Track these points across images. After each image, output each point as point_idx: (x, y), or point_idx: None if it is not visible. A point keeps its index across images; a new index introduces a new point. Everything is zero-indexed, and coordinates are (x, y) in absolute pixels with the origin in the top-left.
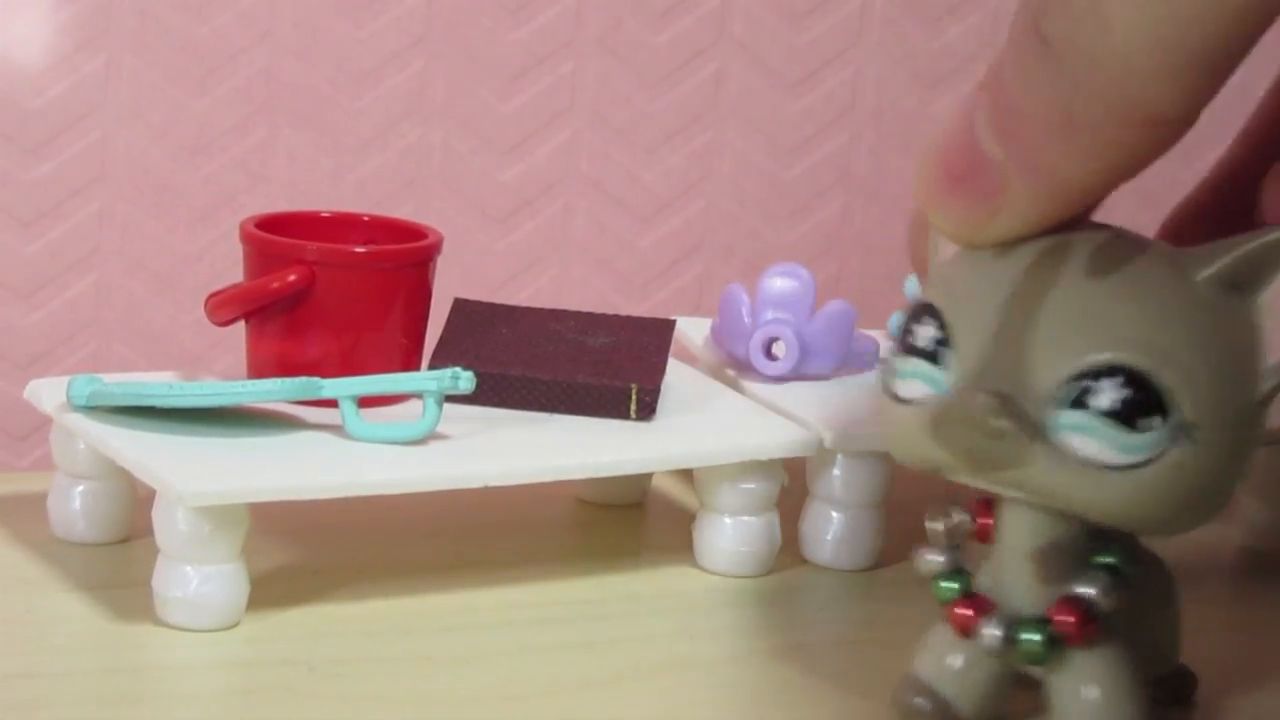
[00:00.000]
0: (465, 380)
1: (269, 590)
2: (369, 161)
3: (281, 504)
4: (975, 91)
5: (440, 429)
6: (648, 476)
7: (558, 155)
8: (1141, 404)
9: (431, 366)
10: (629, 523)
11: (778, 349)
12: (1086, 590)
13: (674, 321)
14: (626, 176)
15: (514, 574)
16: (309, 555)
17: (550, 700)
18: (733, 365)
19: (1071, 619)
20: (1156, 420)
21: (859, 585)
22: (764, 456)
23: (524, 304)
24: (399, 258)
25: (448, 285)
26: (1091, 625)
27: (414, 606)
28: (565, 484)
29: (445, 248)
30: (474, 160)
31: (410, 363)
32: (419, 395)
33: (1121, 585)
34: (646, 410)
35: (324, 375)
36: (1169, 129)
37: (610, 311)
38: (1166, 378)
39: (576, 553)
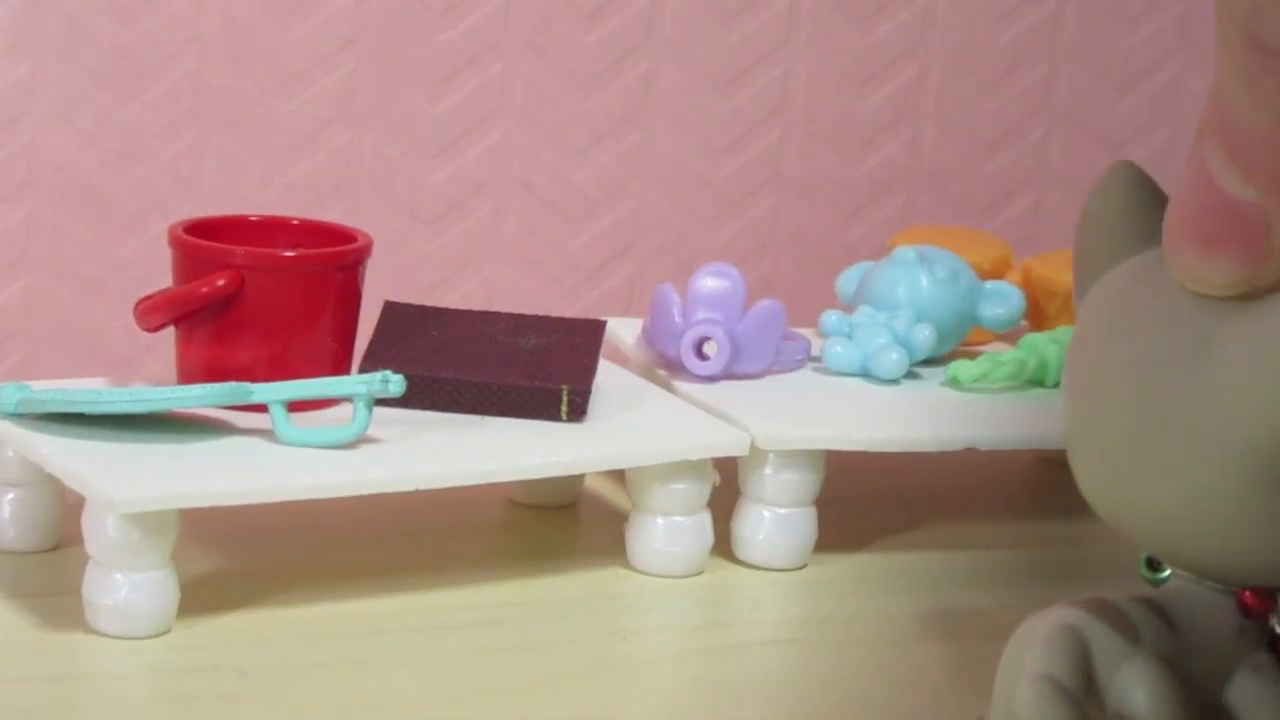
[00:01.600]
0: (395, 383)
1: (200, 596)
2: (298, 165)
3: (212, 509)
4: (1197, 144)
5: (371, 432)
6: (580, 478)
7: (487, 157)
8: None
9: (362, 370)
10: (561, 524)
11: (709, 348)
12: None
13: (605, 322)
14: (557, 177)
15: (446, 577)
16: (240, 560)
17: (484, 703)
18: (664, 365)
19: None
20: None
21: (790, 584)
22: (695, 457)
23: (455, 306)
24: (328, 261)
25: (378, 288)
26: None
27: (346, 610)
28: (497, 486)
29: (376, 250)
30: (404, 162)
31: (340, 366)
32: (349, 399)
33: None
34: (577, 411)
35: (254, 380)
36: None
37: (541, 313)
38: None
39: (509, 555)
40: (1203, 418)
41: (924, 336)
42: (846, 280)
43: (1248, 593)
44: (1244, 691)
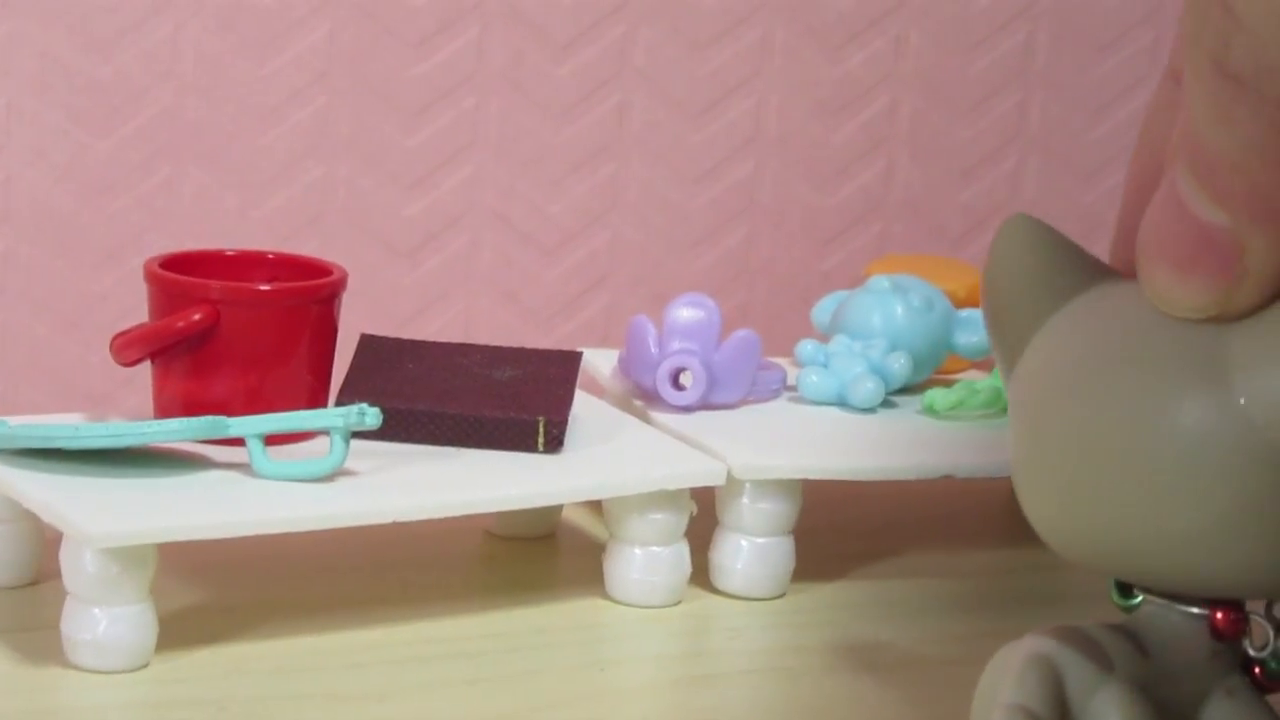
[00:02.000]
0: (372, 416)
1: (178, 630)
2: (273, 199)
3: (190, 543)
4: (1168, 168)
5: (348, 465)
6: (557, 509)
7: (462, 189)
8: None
9: (338, 403)
10: (539, 555)
11: (685, 379)
12: None
13: (580, 353)
14: (531, 209)
15: (424, 609)
16: (218, 594)
17: None
18: (640, 396)
19: None
20: None
21: (769, 613)
22: (672, 487)
23: (431, 338)
24: (304, 295)
25: (354, 321)
26: None
27: (324, 644)
28: (474, 518)
29: (351, 283)
30: (378, 195)
31: (317, 400)
32: (326, 432)
33: None
34: (554, 443)
35: (231, 414)
36: None
37: (517, 344)
38: None
39: (486, 586)
40: (1227, 437)
41: (899, 365)
42: (822, 309)
43: (1219, 615)
44: (1219, 716)
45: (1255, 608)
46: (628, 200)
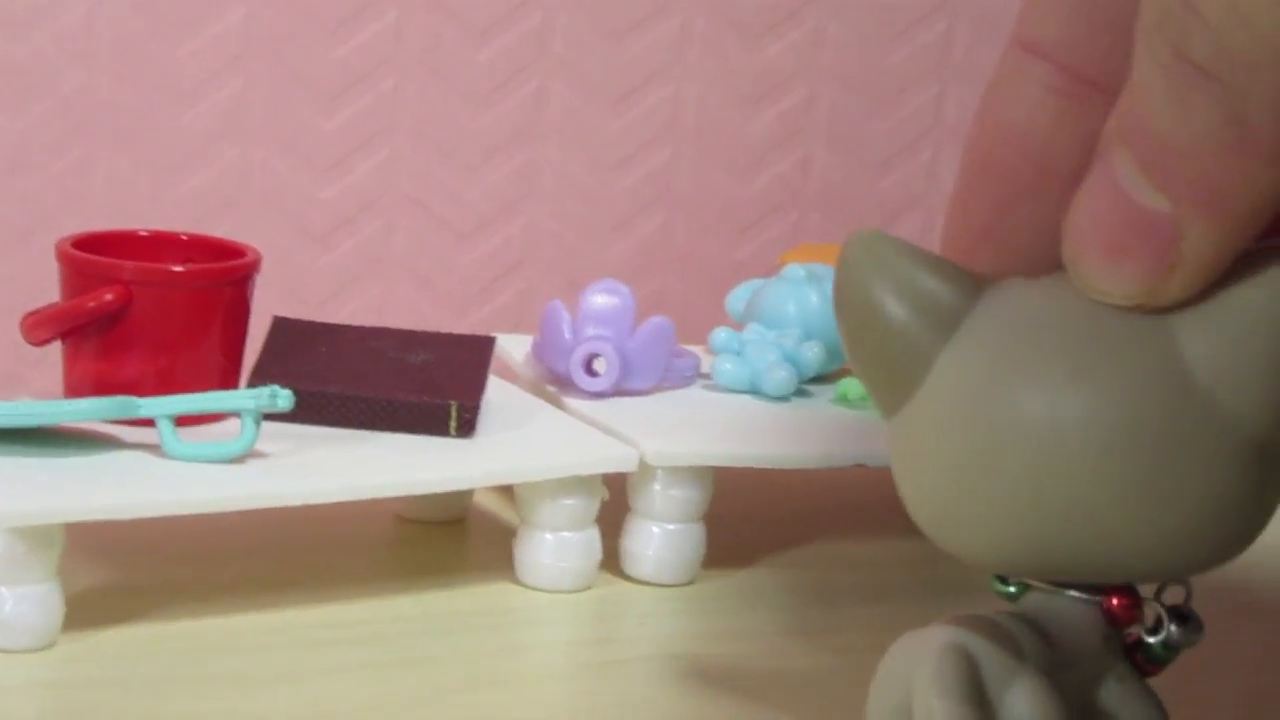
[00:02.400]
0: (283, 398)
1: (84, 610)
2: (188, 180)
3: (98, 524)
4: (1102, 153)
5: (259, 447)
6: (468, 493)
7: (378, 173)
8: None
9: (250, 385)
10: (449, 540)
11: (599, 365)
12: None
13: (494, 338)
14: (447, 194)
15: (333, 592)
16: (125, 575)
17: (369, 719)
18: (554, 382)
19: None
20: None
21: (679, 600)
22: (584, 472)
23: (345, 322)
24: (217, 276)
25: (268, 303)
26: None
27: (231, 625)
28: (385, 501)
29: (265, 266)
30: (294, 179)
31: (229, 381)
32: (237, 414)
33: None
34: (466, 427)
35: (142, 394)
36: None
37: (431, 329)
38: None
39: (396, 570)
40: (1194, 430)
41: (813, 354)
42: (736, 298)
43: (1115, 601)
44: (1112, 701)
45: (1146, 592)
46: (544, 187)
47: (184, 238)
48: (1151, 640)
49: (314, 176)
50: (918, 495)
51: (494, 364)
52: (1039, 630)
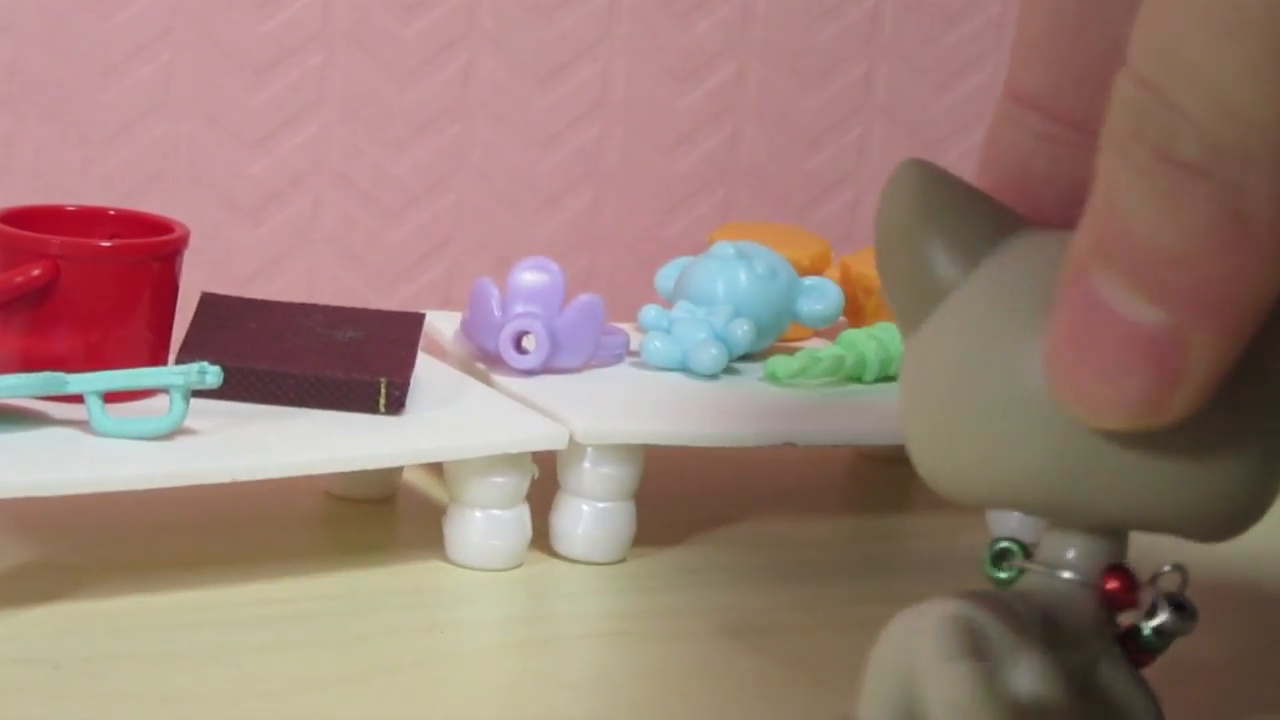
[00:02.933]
0: (212, 375)
1: (12, 588)
2: (115, 155)
3: (26, 500)
4: (1078, 278)
5: (188, 424)
6: (398, 471)
7: (306, 148)
8: None
9: (178, 361)
10: (379, 517)
11: (528, 342)
12: None
13: (424, 315)
14: (375, 170)
15: (262, 570)
16: (54, 552)
17: (299, 696)
18: (482, 359)
19: None
20: None
21: (609, 578)
22: (513, 450)
23: (273, 298)
24: (145, 251)
25: (195, 279)
26: None
27: (161, 603)
28: (314, 479)
29: (192, 242)
30: (221, 153)
31: (157, 357)
32: (166, 390)
33: None
34: (396, 404)
35: (70, 370)
36: None
37: (360, 305)
38: None
39: (325, 548)
40: None
41: (742, 332)
42: (665, 276)
43: (1112, 584)
44: (1107, 685)
45: (1143, 579)
46: (472, 163)
47: (111, 213)
48: (1146, 626)
49: (242, 151)
50: (915, 420)
51: (423, 341)
52: (1038, 609)
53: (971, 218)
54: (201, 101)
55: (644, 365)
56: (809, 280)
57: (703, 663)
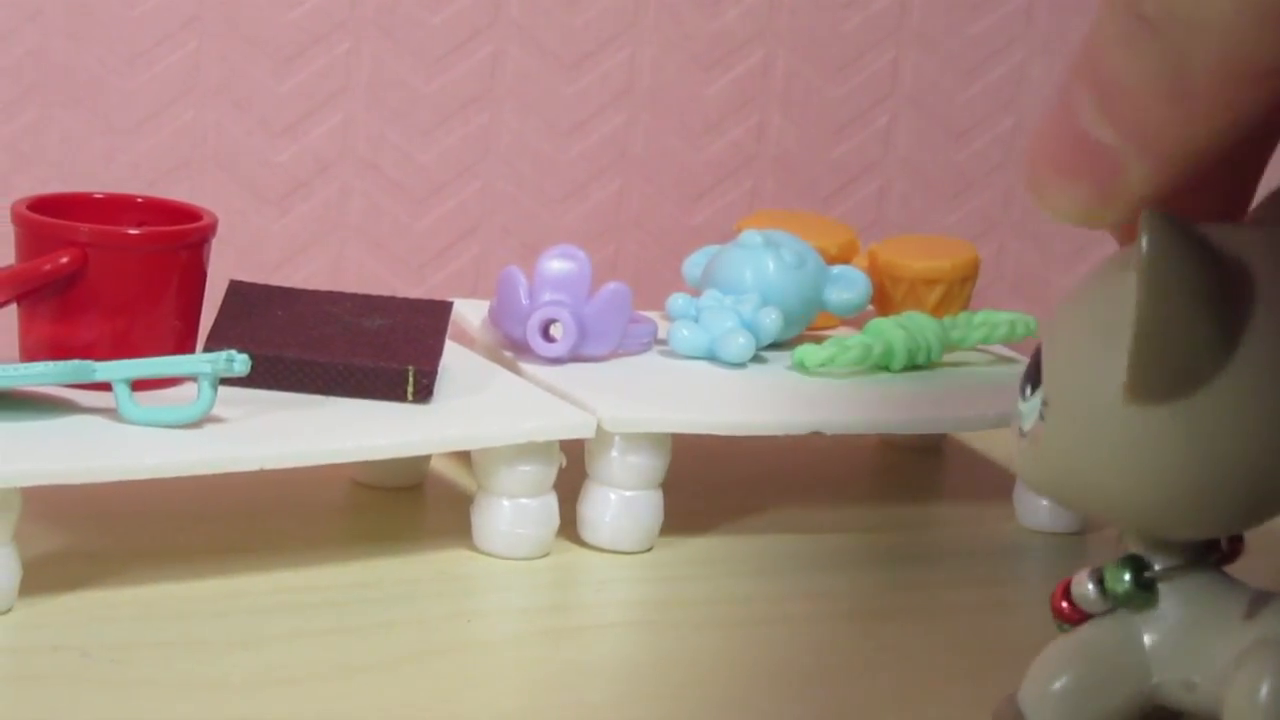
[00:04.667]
0: (240, 362)
1: (42, 575)
2: (142, 142)
3: (55, 488)
4: (1067, 80)
5: (216, 412)
6: (425, 459)
7: (333, 136)
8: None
9: (206, 349)
10: (406, 505)
11: (555, 330)
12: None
13: (451, 303)
14: (403, 158)
15: (288, 557)
16: (83, 539)
17: (327, 684)
18: (510, 347)
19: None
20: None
21: (637, 567)
22: (541, 439)
23: (300, 286)
24: (173, 239)
25: (223, 267)
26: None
27: (189, 591)
28: (342, 467)
29: (220, 229)
30: (248, 141)
31: (185, 345)
32: (194, 378)
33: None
34: (423, 392)
35: (98, 358)
36: (1275, 80)
37: (387, 293)
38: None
39: (352, 536)
40: None
41: (770, 320)
42: (693, 264)
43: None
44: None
45: None
46: (499, 151)
47: (139, 200)
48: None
49: (268, 139)
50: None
51: (451, 329)
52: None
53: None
54: (228, 89)
55: (671, 354)
56: (837, 269)
57: (729, 652)
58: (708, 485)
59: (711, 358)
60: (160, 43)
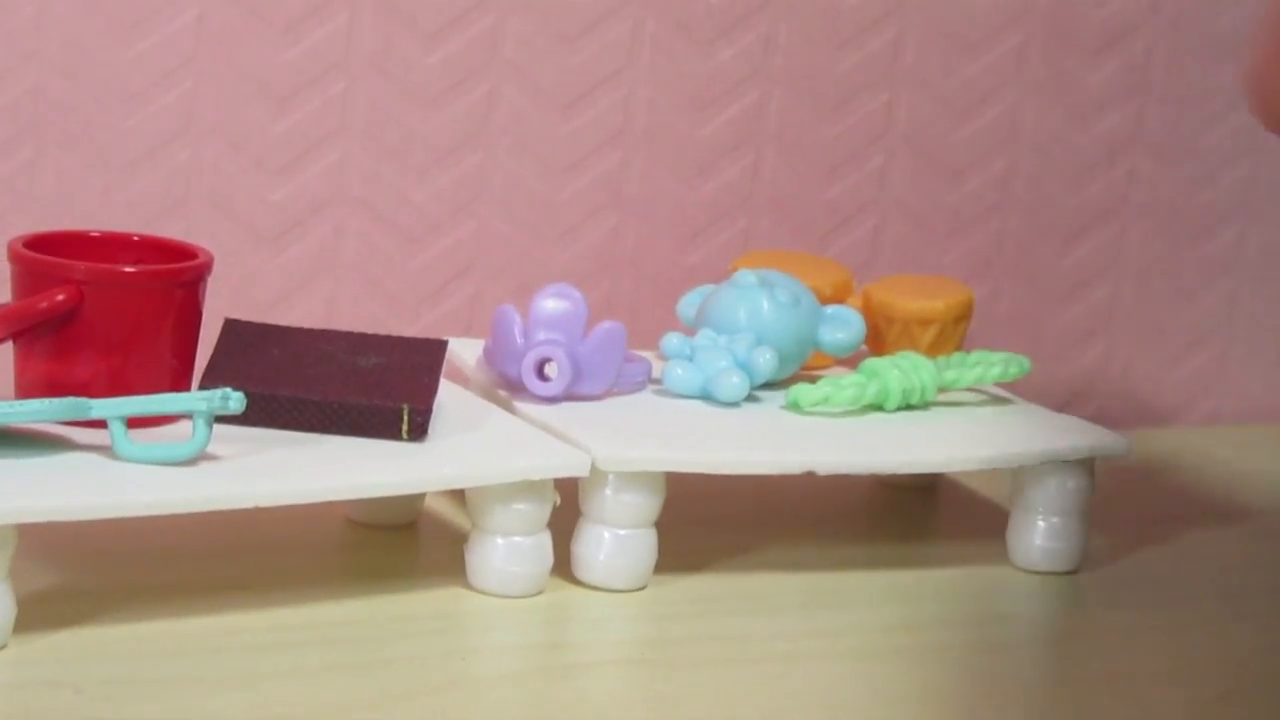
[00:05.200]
0: (235, 400)
1: (37, 612)
2: (139, 181)
3: (50, 525)
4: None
5: (211, 450)
6: (420, 497)
7: (328, 175)
8: None
9: (202, 387)
10: (401, 544)
11: (550, 370)
12: None
13: (446, 342)
14: (397, 197)
15: (283, 595)
16: (78, 576)
17: None
18: (505, 386)
19: None
20: None
21: (631, 605)
22: (535, 477)
23: (295, 324)
24: (169, 278)
25: (218, 305)
26: None
27: (184, 628)
28: (336, 505)
29: (216, 268)
30: (244, 180)
31: (180, 383)
32: (189, 416)
33: None
34: (418, 431)
35: (93, 396)
36: None
37: (382, 332)
38: None
39: (346, 574)
40: None
41: (765, 360)
42: (687, 303)
43: None
44: None
45: None
46: (494, 190)
47: (135, 238)
48: None
49: (264, 178)
50: None
51: (445, 368)
52: None
53: None
54: (224, 129)
55: (666, 393)
56: (831, 309)
57: (721, 690)
58: (702, 524)
59: (706, 397)
60: (157, 82)
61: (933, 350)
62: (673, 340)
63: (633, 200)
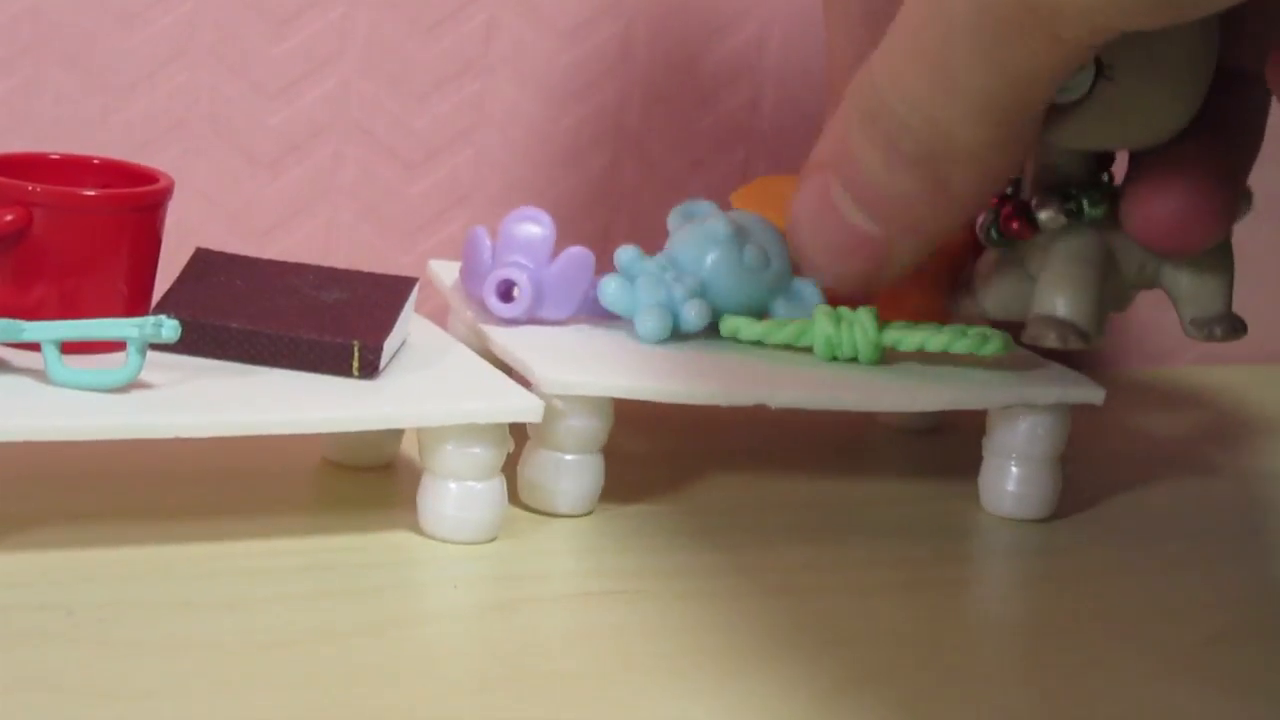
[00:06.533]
0: (169, 329)
1: (26, 535)
2: (135, 104)
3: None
4: (818, 174)
5: (147, 378)
6: (395, 439)
7: (327, 101)
8: None
9: (154, 315)
10: (367, 484)
11: (517, 292)
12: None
13: (415, 280)
14: (396, 123)
15: (267, 523)
16: (59, 501)
17: (315, 647)
18: (473, 306)
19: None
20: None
21: (581, 534)
22: (481, 420)
23: (289, 251)
24: (123, 202)
25: (213, 231)
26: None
27: (174, 553)
28: (312, 442)
29: (211, 193)
30: (241, 104)
31: (134, 310)
32: (124, 342)
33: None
34: (369, 368)
35: (44, 319)
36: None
37: (378, 259)
38: None
39: (338, 505)
40: None
41: (695, 314)
42: (677, 213)
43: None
44: None
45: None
46: (493, 118)
47: (95, 161)
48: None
49: (262, 102)
50: None
51: (426, 289)
52: None
53: None
54: (222, 51)
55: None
56: (797, 282)
57: (673, 622)
58: (650, 455)
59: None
60: (155, 3)
61: (916, 314)
62: (625, 254)
63: (632, 132)
